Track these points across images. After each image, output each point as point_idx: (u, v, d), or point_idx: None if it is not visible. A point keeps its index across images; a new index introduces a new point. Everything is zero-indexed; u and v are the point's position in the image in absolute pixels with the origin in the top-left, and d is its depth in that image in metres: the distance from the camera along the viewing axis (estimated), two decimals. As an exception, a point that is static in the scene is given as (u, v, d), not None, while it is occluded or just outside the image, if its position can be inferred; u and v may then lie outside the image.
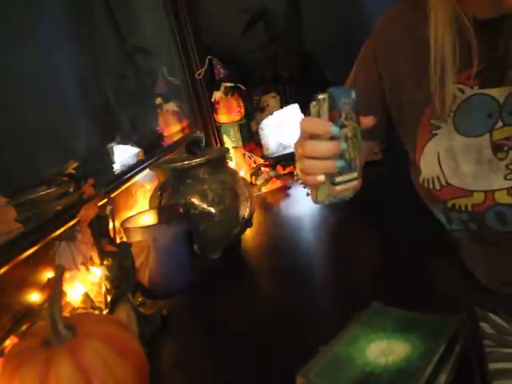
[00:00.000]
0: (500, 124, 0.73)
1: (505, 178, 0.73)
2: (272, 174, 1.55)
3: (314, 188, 0.72)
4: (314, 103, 0.68)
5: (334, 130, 0.65)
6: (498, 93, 0.73)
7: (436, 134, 0.79)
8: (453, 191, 0.77)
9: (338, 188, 0.69)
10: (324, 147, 0.66)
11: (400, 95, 0.85)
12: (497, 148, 0.73)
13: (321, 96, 0.67)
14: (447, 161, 0.78)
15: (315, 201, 0.73)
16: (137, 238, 0.87)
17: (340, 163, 0.66)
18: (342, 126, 0.66)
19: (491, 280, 0.83)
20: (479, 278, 0.85)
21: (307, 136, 0.68)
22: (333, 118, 0.66)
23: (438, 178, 0.79)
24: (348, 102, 0.66)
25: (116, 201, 1.09)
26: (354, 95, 0.66)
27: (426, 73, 0.78)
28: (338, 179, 0.68)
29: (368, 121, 0.70)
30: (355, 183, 0.69)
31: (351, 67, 0.96)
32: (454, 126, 0.77)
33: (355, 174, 0.68)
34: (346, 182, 0.68)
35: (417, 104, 0.81)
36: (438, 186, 0.79)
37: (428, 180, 0.80)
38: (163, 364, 0.72)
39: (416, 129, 0.82)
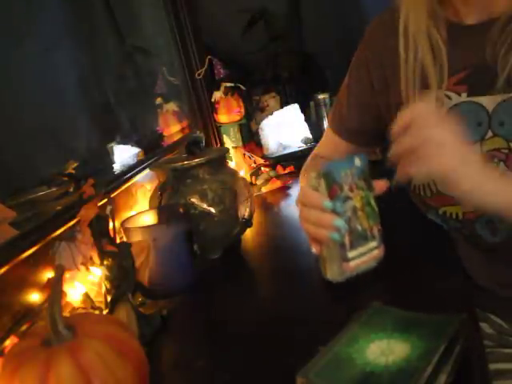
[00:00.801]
0: (490, 134, 0.72)
1: None
2: (272, 174, 1.55)
3: (322, 261, 0.65)
4: (313, 174, 0.62)
5: (337, 206, 0.60)
6: (487, 101, 0.72)
7: None
8: (443, 199, 0.76)
9: (353, 264, 0.61)
10: (314, 217, 0.62)
11: (388, 99, 0.85)
12: (487, 159, 0.72)
13: (316, 174, 0.62)
14: None
15: (325, 277, 0.65)
16: (137, 238, 0.87)
17: (334, 236, 0.60)
18: (347, 199, 0.60)
19: (488, 281, 0.83)
20: (476, 279, 0.85)
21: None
22: (333, 195, 0.60)
23: (429, 185, 0.78)
24: (350, 172, 0.61)
25: (116, 201, 1.09)
26: (357, 163, 0.61)
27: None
28: (351, 254, 0.61)
29: (381, 185, 0.65)
30: (375, 253, 0.63)
31: (351, 67, 0.96)
32: None
33: (373, 244, 0.62)
34: (362, 254, 0.62)
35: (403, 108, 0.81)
36: (428, 194, 0.78)
37: (419, 187, 0.80)
38: (163, 364, 0.72)
39: None
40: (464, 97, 0.74)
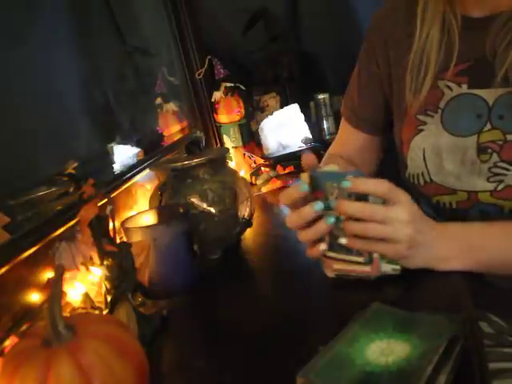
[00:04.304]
0: (489, 126, 0.72)
1: (487, 181, 0.73)
2: (272, 174, 1.55)
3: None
4: (304, 175, 0.65)
5: (317, 206, 0.63)
6: (487, 94, 0.72)
7: (422, 130, 0.79)
8: (436, 188, 0.77)
9: (336, 265, 0.67)
10: (295, 215, 0.66)
11: (391, 87, 0.85)
12: (481, 150, 0.73)
13: (307, 174, 0.65)
14: (432, 158, 0.78)
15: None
16: (137, 238, 0.87)
17: (329, 221, 0.64)
18: (329, 208, 0.63)
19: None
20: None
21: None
22: (317, 197, 0.63)
23: (423, 174, 0.79)
24: (338, 186, 0.62)
25: (116, 201, 1.09)
26: (346, 183, 0.61)
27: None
28: (329, 253, 0.65)
29: None
30: (365, 269, 0.65)
31: (351, 67, 0.96)
32: (441, 124, 0.77)
33: (358, 259, 0.64)
34: (345, 261, 0.65)
35: (403, 97, 0.81)
36: (422, 182, 0.79)
37: (413, 175, 0.80)
38: (163, 364, 0.72)
39: (402, 122, 0.82)
40: (464, 88, 0.74)
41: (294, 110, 1.75)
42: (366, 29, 0.91)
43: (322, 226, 0.64)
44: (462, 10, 0.76)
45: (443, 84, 0.76)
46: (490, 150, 0.72)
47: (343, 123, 0.99)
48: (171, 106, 1.67)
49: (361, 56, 0.92)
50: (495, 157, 0.72)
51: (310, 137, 1.74)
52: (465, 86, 0.74)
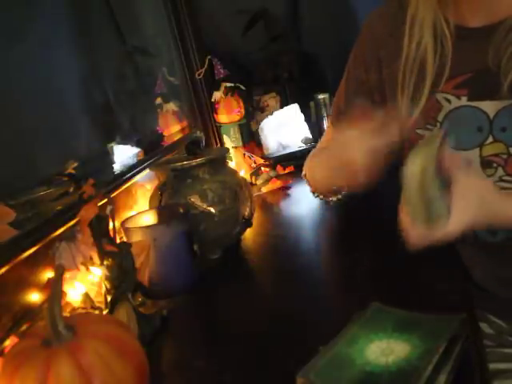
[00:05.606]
0: (491, 139, 0.71)
1: None
2: (272, 174, 1.55)
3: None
4: None
5: None
6: (489, 107, 0.71)
7: None
8: None
9: None
10: None
11: (382, 94, 0.84)
12: (486, 164, 0.72)
13: None
14: None
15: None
16: (137, 238, 0.87)
17: None
18: None
19: (488, 280, 0.83)
20: (477, 278, 0.84)
21: None
22: None
23: None
24: None
25: (116, 201, 1.09)
26: None
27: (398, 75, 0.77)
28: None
29: None
30: None
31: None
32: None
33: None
34: None
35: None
36: None
37: None
38: (163, 364, 0.72)
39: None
40: (464, 101, 0.73)
41: (293, 110, 1.75)
42: (362, 26, 0.89)
43: None
44: (458, 19, 0.74)
45: (441, 97, 0.75)
46: (494, 165, 0.71)
47: (330, 125, 0.98)
48: (171, 106, 1.67)
49: (349, 61, 0.90)
50: (500, 171, 0.71)
51: (310, 137, 1.74)
52: (464, 99, 0.73)
